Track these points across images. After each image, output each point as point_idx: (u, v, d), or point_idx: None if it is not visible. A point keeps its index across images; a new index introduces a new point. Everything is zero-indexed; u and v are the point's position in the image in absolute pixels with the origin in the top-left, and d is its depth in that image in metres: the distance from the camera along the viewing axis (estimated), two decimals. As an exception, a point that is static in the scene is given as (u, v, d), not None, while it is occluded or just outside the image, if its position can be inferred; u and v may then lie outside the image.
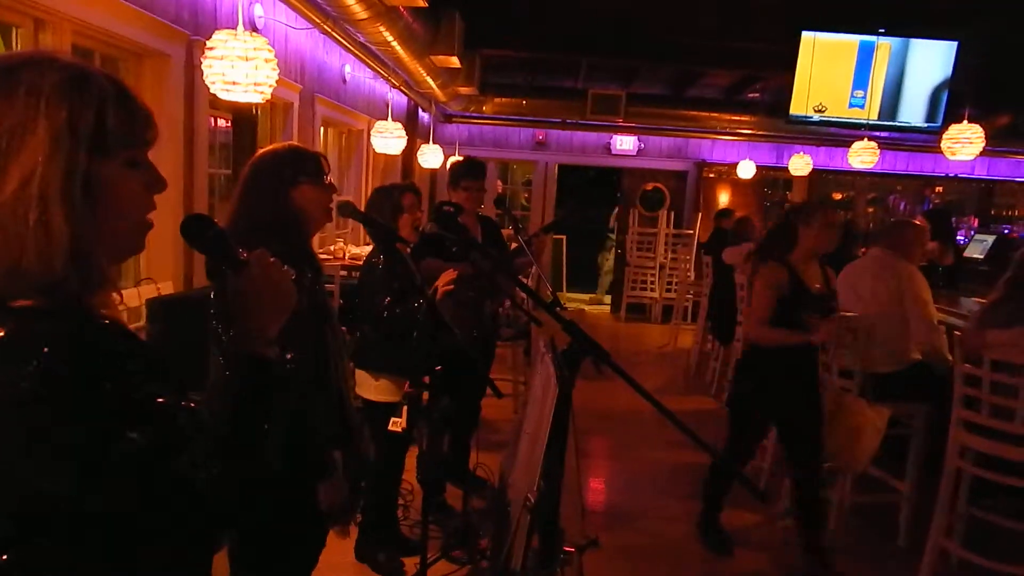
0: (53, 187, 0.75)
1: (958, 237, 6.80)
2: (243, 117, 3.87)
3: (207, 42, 2.64)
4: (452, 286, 2.48)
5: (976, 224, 8.69)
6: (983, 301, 3.36)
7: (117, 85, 0.84)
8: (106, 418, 0.73)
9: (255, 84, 2.61)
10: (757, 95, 8.27)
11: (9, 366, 0.69)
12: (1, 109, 0.76)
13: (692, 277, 7.79)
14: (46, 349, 0.70)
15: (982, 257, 6.46)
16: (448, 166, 3.45)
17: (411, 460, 3.00)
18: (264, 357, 0.95)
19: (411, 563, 2.73)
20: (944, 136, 5.71)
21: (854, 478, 3.26)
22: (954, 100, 6.96)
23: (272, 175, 1.75)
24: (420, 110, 7.48)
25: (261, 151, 1.85)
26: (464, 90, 6.99)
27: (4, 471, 0.71)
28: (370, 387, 2.72)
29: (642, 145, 9.33)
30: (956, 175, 9.00)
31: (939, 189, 9.17)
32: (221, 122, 3.80)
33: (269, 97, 2.76)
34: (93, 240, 0.78)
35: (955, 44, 6.93)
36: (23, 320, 0.73)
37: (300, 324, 1.70)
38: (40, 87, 0.77)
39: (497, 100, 8.30)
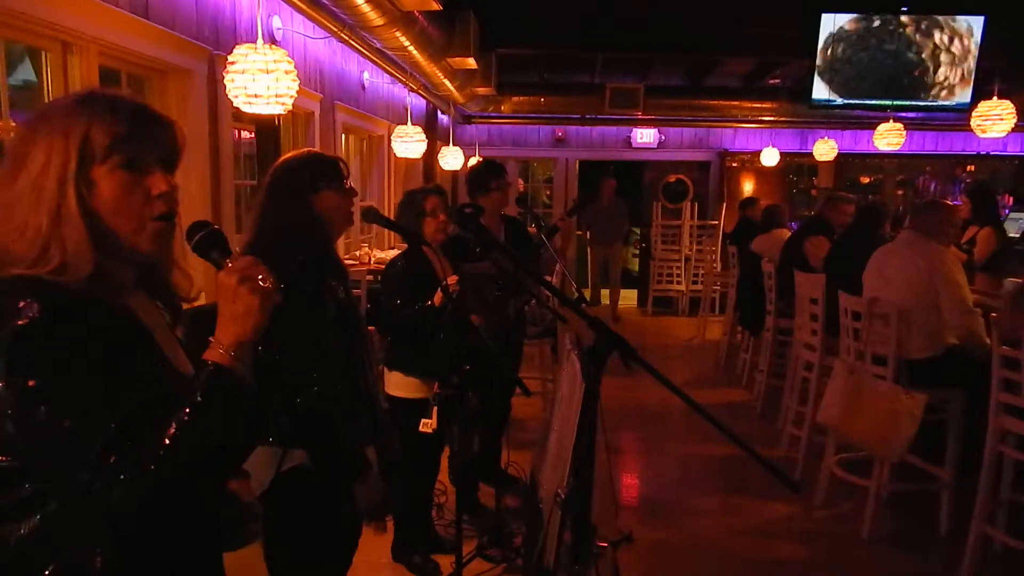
0: (47, 188, 0.92)
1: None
2: (266, 128, 3.94)
3: (228, 56, 2.69)
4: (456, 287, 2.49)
5: (1011, 203, 8.46)
6: (1019, 281, 3.28)
7: (115, 99, 0.97)
8: (63, 365, 0.87)
9: (276, 96, 2.65)
10: (777, 81, 8.15)
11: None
12: (27, 134, 0.96)
13: (718, 268, 7.72)
14: (17, 310, 0.86)
15: (1018, 236, 6.29)
16: (468, 174, 3.47)
17: (444, 460, 3.03)
18: (224, 369, 0.94)
19: (447, 562, 2.76)
20: (974, 114, 5.57)
21: (891, 466, 3.21)
22: (983, 76, 6.78)
23: (293, 183, 1.78)
24: (439, 112, 7.52)
25: (281, 159, 1.88)
26: (481, 91, 7.00)
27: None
28: (392, 383, 2.76)
29: (663, 137, 9.26)
30: (988, 153, 8.77)
31: (970, 168, 8.95)
32: (245, 134, 3.87)
33: (290, 108, 2.81)
34: (81, 234, 0.92)
35: (982, 19, 6.75)
36: (8, 284, 0.89)
37: (326, 329, 1.73)
38: (51, 111, 0.96)
39: (515, 99, 8.30)
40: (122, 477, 0.85)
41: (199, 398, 0.91)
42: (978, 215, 4.78)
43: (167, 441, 0.88)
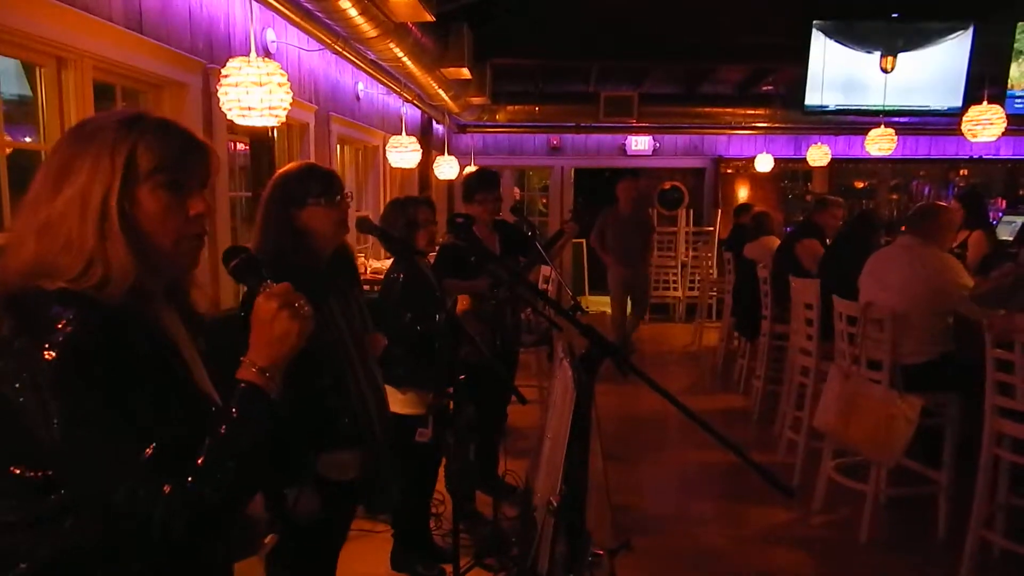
0: (92, 205, 0.94)
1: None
2: (260, 140, 3.95)
3: (222, 70, 2.70)
4: (469, 307, 2.50)
5: (1004, 206, 8.51)
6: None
7: (162, 124, 1.00)
8: (110, 377, 0.89)
9: (270, 108, 2.66)
10: (771, 88, 8.21)
11: (39, 330, 0.88)
12: (69, 152, 0.97)
13: (714, 274, 7.74)
14: (64, 323, 0.88)
15: (1011, 239, 6.32)
16: (462, 179, 3.51)
17: (442, 470, 3.02)
18: (256, 388, 0.97)
19: (446, 572, 2.75)
20: (964, 118, 5.62)
21: (888, 471, 3.21)
22: (973, 81, 6.84)
23: (281, 198, 1.81)
24: (434, 122, 7.55)
25: (276, 174, 1.90)
26: (476, 100, 7.03)
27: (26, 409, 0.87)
28: (396, 401, 2.75)
29: (657, 144, 9.30)
30: (980, 156, 8.83)
31: (963, 172, 9.00)
32: (240, 146, 3.88)
33: (284, 120, 2.82)
34: (117, 251, 0.94)
35: (971, 25, 6.82)
36: (54, 297, 0.91)
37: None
38: (97, 129, 0.98)
39: (510, 108, 8.34)
40: (166, 494, 0.88)
41: (235, 416, 0.95)
42: (969, 219, 4.82)
43: (206, 458, 0.91)
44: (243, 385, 0.97)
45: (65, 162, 0.96)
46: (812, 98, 7.26)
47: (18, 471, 0.91)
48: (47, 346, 0.86)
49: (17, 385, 0.87)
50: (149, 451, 0.88)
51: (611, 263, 6.32)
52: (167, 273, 1.05)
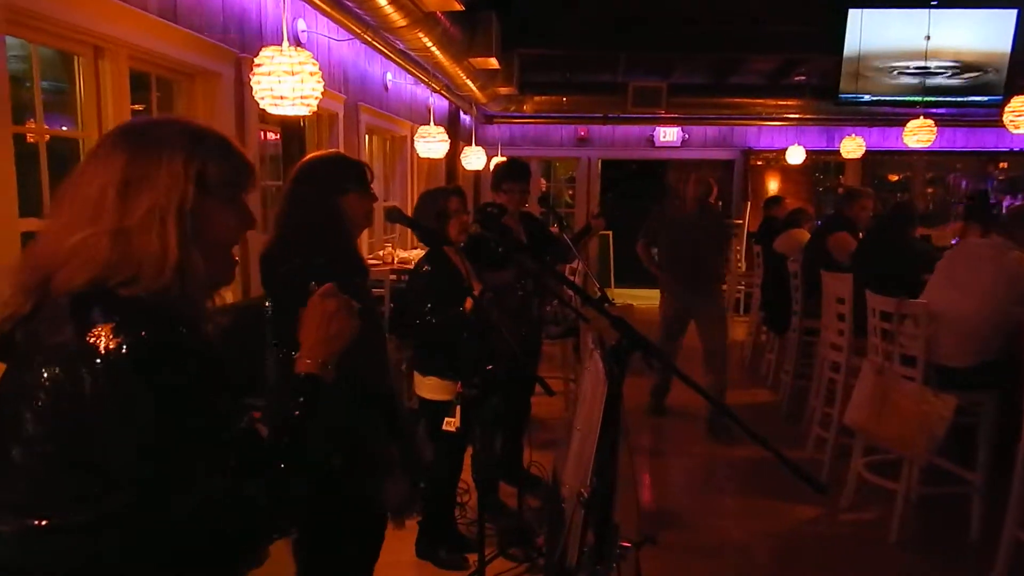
0: (170, 214, 0.96)
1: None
2: (291, 129, 3.98)
3: (254, 59, 2.72)
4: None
5: (1044, 200, 8.27)
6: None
7: (223, 141, 1.05)
8: (178, 391, 0.90)
9: (301, 97, 2.68)
10: (803, 78, 8.05)
11: (111, 334, 0.88)
12: (136, 158, 0.97)
13: (743, 268, 7.64)
14: (143, 332, 0.89)
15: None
16: (492, 168, 3.51)
17: (468, 459, 3.04)
18: (316, 378, 1.06)
19: (469, 561, 2.77)
20: (1006, 109, 5.45)
21: (920, 469, 3.15)
22: (1016, 71, 6.63)
23: (321, 182, 1.81)
24: (461, 113, 7.55)
25: (308, 157, 1.91)
26: (503, 90, 7.02)
27: (93, 427, 0.88)
28: (421, 385, 2.77)
29: (686, 136, 9.20)
30: (1021, 149, 8.58)
31: (1003, 165, 8.76)
32: (270, 135, 3.92)
33: (315, 109, 2.84)
34: (196, 260, 0.97)
35: (1015, 12, 6.61)
36: (125, 302, 0.92)
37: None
38: (166, 139, 0.99)
39: (537, 99, 8.30)
40: (254, 496, 0.94)
41: (303, 404, 1.03)
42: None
43: (284, 440, 0.99)
44: (304, 376, 1.05)
45: (133, 171, 0.96)
46: (847, 88, 7.11)
47: (77, 476, 0.89)
48: (121, 351, 0.87)
49: (87, 387, 0.87)
50: (232, 463, 0.92)
51: (666, 283, 4.49)
52: (216, 282, 1.08)
